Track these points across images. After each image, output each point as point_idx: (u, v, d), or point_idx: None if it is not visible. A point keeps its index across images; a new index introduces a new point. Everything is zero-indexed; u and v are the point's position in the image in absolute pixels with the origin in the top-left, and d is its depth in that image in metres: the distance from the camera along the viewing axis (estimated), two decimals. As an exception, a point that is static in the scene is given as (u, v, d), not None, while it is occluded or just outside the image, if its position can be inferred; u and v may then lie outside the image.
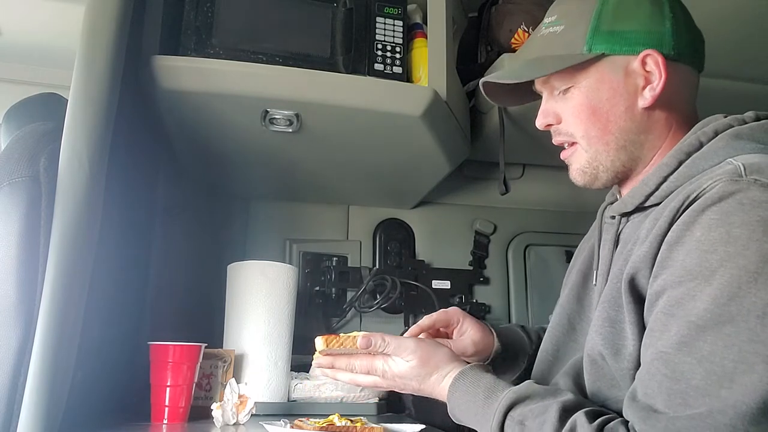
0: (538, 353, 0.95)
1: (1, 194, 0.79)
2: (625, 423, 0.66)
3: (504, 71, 0.88)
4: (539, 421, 0.69)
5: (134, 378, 1.10)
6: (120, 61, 0.89)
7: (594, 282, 0.86)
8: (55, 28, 1.70)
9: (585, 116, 0.81)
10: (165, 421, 0.98)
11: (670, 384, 0.62)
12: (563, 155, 0.88)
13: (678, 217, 0.68)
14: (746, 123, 0.76)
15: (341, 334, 0.87)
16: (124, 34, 0.90)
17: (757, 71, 1.16)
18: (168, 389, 0.98)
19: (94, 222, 0.84)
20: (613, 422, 0.66)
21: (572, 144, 0.85)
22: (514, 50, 1.33)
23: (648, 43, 0.79)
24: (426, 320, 1.01)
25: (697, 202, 0.67)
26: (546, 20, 0.86)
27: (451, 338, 1.03)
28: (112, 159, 0.87)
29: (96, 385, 0.96)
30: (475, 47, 1.44)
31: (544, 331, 1.11)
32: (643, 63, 0.79)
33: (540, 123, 0.87)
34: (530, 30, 1.34)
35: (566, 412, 0.68)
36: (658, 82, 0.78)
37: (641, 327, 0.71)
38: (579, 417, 0.67)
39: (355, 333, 0.86)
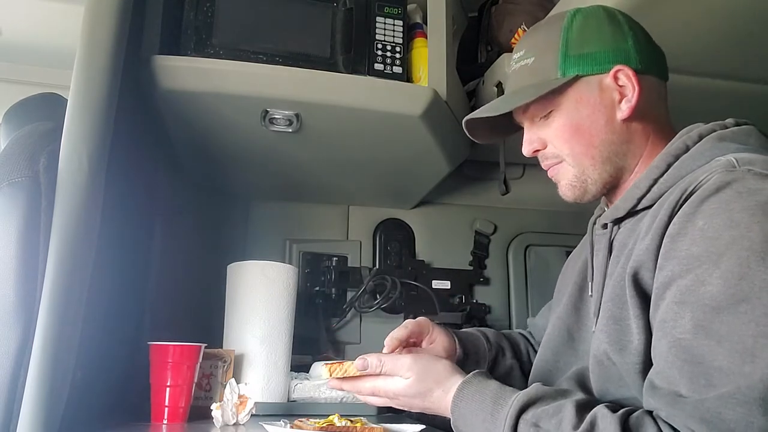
0: (536, 361, 0.96)
1: (1, 194, 0.79)
2: (649, 413, 0.66)
3: (484, 108, 0.92)
4: (555, 420, 0.68)
5: (134, 378, 1.09)
6: (120, 61, 0.89)
7: (590, 293, 0.88)
8: (55, 28, 1.69)
9: (569, 135, 0.85)
10: (165, 421, 0.98)
11: (691, 368, 0.63)
12: (550, 174, 0.90)
13: (677, 210, 0.70)
14: (728, 128, 0.79)
15: (344, 362, 0.86)
16: (124, 34, 0.90)
17: (757, 71, 1.16)
18: (168, 389, 0.98)
19: (93, 222, 0.83)
20: (637, 412, 0.66)
21: (558, 163, 0.88)
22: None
23: (616, 60, 0.83)
24: (401, 331, 0.98)
25: (695, 194, 0.69)
26: (515, 56, 0.90)
27: (421, 347, 1.02)
28: (112, 159, 0.87)
29: (96, 385, 0.96)
30: (475, 47, 1.44)
31: (521, 336, 1.12)
32: (616, 78, 0.83)
33: (527, 151, 0.90)
34: (530, 30, 1.34)
35: (582, 409, 0.68)
36: (632, 94, 0.82)
37: (646, 321, 0.72)
38: (599, 410, 0.67)
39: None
